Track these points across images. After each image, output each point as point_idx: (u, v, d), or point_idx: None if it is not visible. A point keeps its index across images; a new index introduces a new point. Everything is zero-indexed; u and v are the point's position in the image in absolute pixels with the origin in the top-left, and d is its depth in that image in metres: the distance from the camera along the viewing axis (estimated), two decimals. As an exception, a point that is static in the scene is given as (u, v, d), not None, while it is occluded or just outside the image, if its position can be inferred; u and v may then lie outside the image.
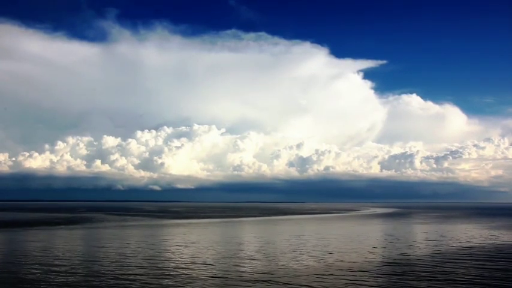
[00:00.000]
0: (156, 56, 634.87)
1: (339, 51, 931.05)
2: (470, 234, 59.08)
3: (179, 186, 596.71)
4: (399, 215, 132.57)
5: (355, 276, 27.39)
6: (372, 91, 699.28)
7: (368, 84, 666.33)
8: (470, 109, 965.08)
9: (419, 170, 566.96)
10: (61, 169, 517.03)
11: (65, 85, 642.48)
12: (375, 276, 27.26)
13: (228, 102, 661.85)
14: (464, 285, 24.91)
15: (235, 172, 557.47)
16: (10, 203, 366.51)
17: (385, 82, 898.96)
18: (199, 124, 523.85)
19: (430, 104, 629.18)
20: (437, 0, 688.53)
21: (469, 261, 33.36)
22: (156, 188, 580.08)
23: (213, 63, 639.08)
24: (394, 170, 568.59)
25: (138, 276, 27.13)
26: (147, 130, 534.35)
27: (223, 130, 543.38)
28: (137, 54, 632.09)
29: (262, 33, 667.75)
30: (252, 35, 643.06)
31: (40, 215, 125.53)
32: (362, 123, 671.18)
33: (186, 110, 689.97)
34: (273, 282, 25.41)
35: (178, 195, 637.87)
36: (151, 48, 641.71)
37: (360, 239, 51.46)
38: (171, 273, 28.29)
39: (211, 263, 32.51)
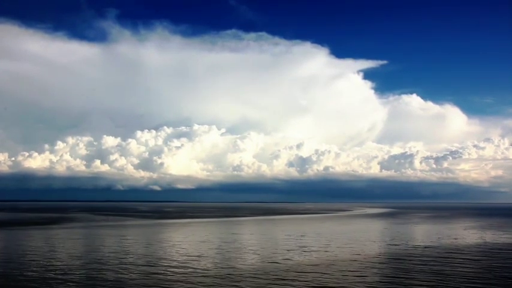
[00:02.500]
0: (156, 56, 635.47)
1: (339, 51, 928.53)
2: (441, 233, 58.59)
3: (179, 186, 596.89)
4: (388, 215, 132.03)
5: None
6: (372, 91, 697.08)
7: (368, 84, 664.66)
8: (470, 109, 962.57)
9: (419, 170, 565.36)
10: (61, 169, 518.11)
11: (65, 85, 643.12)
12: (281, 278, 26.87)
13: (228, 102, 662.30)
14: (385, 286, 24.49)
15: (235, 172, 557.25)
16: (9, 203, 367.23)
17: (385, 82, 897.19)
18: (199, 124, 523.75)
19: (430, 104, 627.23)
20: (437, 0, 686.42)
21: (410, 262, 32.90)
22: (156, 188, 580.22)
23: (214, 64, 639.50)
24: (393, 170, 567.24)
25: (69, 277, 26.79)
26: (147, 130, 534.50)
27: (223, 130, 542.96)
28: (137, 54, 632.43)
29: (263, 33, 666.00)
30: (252, 35, 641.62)
31: (27, 215, 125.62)
32: (362, 124, 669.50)
33: (186, 110, 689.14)
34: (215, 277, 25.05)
35: (178, 195, 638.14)
36: (151, 48, 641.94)
37: (320, 237, 51.06)
38: (110, 272, 27.93)
39: (172, 263, 32.14)
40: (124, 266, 30.78)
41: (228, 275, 27.36)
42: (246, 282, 25.28)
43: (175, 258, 34.42)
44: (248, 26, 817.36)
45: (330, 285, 24.80)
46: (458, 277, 26.90)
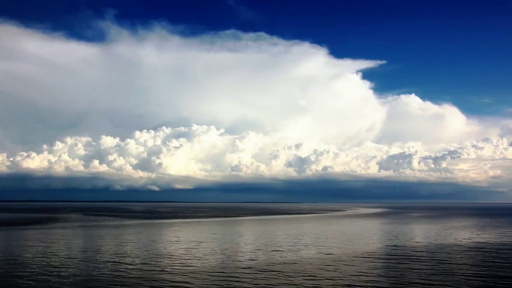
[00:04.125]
0: (155, 56, 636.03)
1: (338, 51, 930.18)
2: (420, 233, 58.22)
3: (177, 186, 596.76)
4: (379, 215, 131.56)
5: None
6: (371, 91, 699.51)
7: (367, 84, 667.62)
8: (469, 109, 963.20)
9: (417, 170, 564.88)
10: (59, 169, 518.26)
11: (64, 85, 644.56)
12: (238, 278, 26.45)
13: (227, 102, 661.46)
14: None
15: (234, 172, 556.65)
16: (4, 204, 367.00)
17: (384, 82, 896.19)
18: (198, 124, 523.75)
19: (428, 104, 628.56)
20: (437, 0, 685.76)
21: (373, 262, 32.49)
22: (155, 188, 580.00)
23: (212, 64, 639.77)
24: (392, 170, 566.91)
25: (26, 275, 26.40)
26: (145, 130, 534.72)
27: (222, 130, 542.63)
28: (136, 54, 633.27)
29: (262, 34, 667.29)
30: (251, 35, 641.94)
31: (16, 215, 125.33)
32: (361, 124, 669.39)
33: (185, 110, 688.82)
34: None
35: (176, 195, 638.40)
36: (150, 48, 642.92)
37: (295, 237, 50.66)
38: (74, 272, 27.55)
39: (137, 262, 31.74)
40: (88, 263, 30.39)
41: (154, 278, 26.96)
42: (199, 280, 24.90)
43: (135, 257, 34.03)
44: (247, 26, 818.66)
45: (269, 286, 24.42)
46: (414, 276, 26.51)
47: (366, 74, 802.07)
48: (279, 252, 38.65)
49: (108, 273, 28.16)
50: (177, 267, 30.55)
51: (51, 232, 62.00)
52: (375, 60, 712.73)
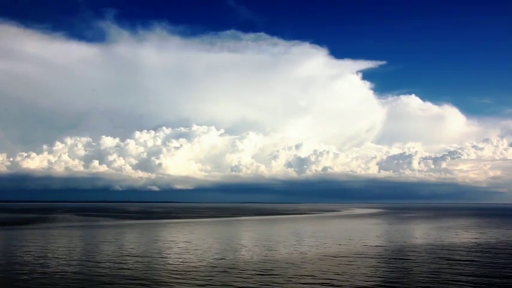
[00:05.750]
0: (155, 57, 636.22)
1: (338, 51, 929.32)
2: (405, 233, 58.08)
3: (177, 186, 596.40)
4: (372, 216, 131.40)
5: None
6: (371, 92, 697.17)
7: (367, 84, 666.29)
8: (469, 110, 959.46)
9: (417, 171, 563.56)
10: (59, 169, 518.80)
11: (64, 85, 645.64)
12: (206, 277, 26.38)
13: (227, 102, 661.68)
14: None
15: (233, 173, 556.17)
16: (6, 204, 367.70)
17: (384, 83, 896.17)
18: (198, 125, 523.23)
19: (429, 104, 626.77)
20: (436, 1, 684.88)
21: (341, 261, 32.40)
22: (155, 188, 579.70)
23: (212, 64, 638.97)
24: (392, 171, 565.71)
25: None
26: (145, 131, 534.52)
27: (222, 131, 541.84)
28: (136, 54, 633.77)
29: (262, 34, 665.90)
30: (251, 35, 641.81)
31: (5, 215, 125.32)
32: (361, 124, 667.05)
33: (185, 110, 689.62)
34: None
35: (176, 195, 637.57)
36: (150, 49, 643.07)
37: (273, 238, 50.60)
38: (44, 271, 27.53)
39: (120, 261, 31.73)
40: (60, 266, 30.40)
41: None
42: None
43: (107, 258, 34.01)
44: (247, 27, 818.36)
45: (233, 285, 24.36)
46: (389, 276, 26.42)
47: (366, 75, 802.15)
48: (243, 252, 38.61)
49: (63, 273, 28.17)
50: (139, 265, 30.54)
51: (29, 233, 62.06)
52: (375, 60, 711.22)
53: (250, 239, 50.79)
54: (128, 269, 29.72)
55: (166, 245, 44.50)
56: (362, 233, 60.58)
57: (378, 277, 26.96)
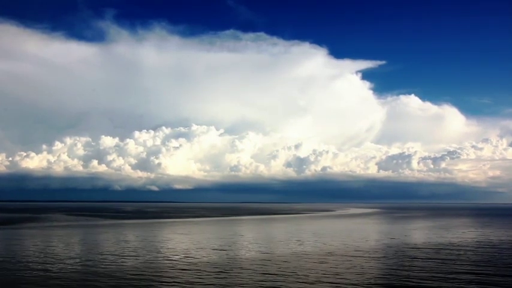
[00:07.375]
0: (155, 56, 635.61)
1: (338, 51, 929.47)
2: (389, 233, 58.23)
3: (177, 186, 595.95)
4: (364, 215, 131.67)
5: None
6: (371, 92, 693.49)
7: (367, 84, 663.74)
8: (468, 110, 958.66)
9: (417, 171, 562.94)
10: (58, 169, 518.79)
11: (63, 85, 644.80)
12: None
13: (226, 102, 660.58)
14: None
15: (233, 173, 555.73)
16: (5, 203, 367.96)
17: (383, 83, 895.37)
18: (198, 124, 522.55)
19: (428, 104, 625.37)
20: (436, 0, 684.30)
21: (309, 260, 32.54)
22: (154, 188, 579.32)
23: (212, 64, 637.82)
24: (391, 171, 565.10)
25: None
26: (145, 130, 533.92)
27: (221, 131, 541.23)
28: (135, 54, 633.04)
29: (261, 34, 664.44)
30: (250, 35, 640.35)
31: (4, 215, 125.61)
32: (360, 124, 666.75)
33: (185, 110, 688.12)
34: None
35: (175, 195, 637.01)
36: (149, 49, 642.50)
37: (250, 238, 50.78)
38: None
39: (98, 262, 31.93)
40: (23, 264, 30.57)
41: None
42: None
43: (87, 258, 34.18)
44: (246, 26, 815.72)
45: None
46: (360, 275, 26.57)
47: (366, 75, 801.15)
48: (222, 251, 38.81)
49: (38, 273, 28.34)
50: (112, 265, 30.71)
51: (21, 232, 62.32)
52: (375, 60, 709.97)
53: (227, 239, 50.91)
54: (94, 266, 29.89)
55: (156, 244, 44.65)
56: (345, 233, 60.66)
57: (336, 275, 27.10)
